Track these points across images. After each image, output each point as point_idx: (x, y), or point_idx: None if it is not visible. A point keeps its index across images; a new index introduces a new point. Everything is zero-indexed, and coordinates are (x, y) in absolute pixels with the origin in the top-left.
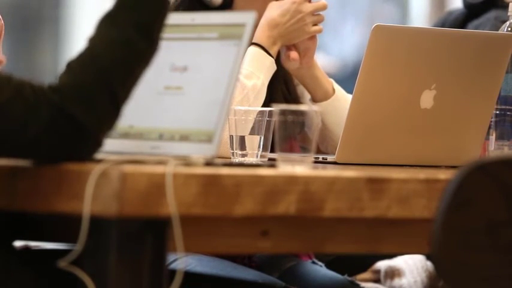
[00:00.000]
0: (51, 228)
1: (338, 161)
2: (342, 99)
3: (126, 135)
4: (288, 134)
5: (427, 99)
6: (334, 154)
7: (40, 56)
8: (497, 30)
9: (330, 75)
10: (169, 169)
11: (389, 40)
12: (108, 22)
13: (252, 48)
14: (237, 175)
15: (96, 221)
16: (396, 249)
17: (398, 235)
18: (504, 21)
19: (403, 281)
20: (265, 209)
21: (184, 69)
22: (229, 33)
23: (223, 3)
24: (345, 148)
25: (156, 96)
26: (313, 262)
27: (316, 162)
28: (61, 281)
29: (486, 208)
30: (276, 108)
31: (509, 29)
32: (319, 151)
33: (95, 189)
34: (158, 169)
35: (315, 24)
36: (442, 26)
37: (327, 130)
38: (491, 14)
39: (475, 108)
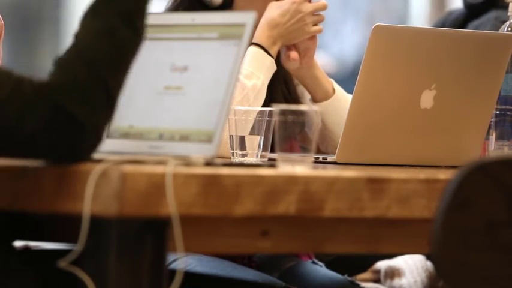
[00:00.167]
0: (51, 228)
1: (338, 161)
2: (342, 99)
3: (126, 135)
4: (288, 134)
5: (427, 99)
6: (334, 154)
7: (40, 56)
8: (498, 31)
9: (330, 75)
10: (169, 169)
11: (390, 40)
12: (91, 14)
13: (252, 48)
14: (237, 175)
15: (96, 221)
16: (396, 249)
17: (398, 235)
18: (504, 22)
19: (403, 281)
20: (265, 209)
21: (185, 69)
22: (229, 33)
23: (223, 3)
24: (345, 148)
25: (156, 96)
26: (313, 262)
27: (316, 162)
28: (61, 281)
29: (486, 208)
30: (276, 108)
31: (509, 29)
32: (319, 151)
33: (95, 189)
34: (158, 169)
35: (315, 24)
36: (442, 26)
37: (327, 130)
38: (492, 14)
39: (475, 108)
